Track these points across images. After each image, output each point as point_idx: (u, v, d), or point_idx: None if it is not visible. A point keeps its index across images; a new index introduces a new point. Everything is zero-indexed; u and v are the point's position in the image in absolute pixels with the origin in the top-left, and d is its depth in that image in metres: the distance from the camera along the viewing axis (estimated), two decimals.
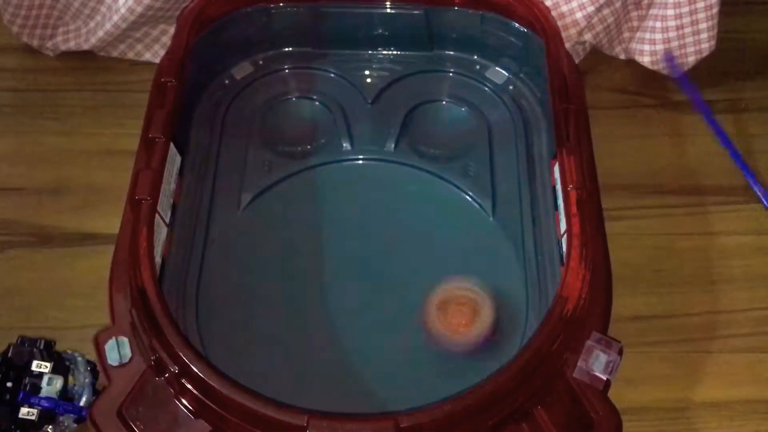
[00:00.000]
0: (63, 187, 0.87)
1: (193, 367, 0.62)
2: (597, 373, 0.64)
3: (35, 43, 0.96)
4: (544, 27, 0.83)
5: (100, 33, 0.93)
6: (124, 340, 0.65)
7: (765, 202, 0.87)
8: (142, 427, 0.62)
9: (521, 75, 0.91)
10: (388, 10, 0.89)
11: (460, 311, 0.74)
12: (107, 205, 0.83)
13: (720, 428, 0.73)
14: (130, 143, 0.79)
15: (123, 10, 0.90)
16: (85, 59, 0.97)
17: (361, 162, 0.85)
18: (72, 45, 0.96)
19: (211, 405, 0.62)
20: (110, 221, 0.75)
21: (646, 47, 0.93)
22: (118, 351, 0.65)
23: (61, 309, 0.79)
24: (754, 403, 0.74)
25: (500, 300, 0.76)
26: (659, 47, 0.92)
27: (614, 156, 0.89)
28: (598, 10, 0.88)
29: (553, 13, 0.87)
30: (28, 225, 0.85)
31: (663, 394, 0.75)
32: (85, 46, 0.96)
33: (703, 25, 0.89)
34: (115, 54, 0.97)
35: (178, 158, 0.79)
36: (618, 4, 0.89)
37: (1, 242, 0.83)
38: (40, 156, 0.90)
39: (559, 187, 0.76)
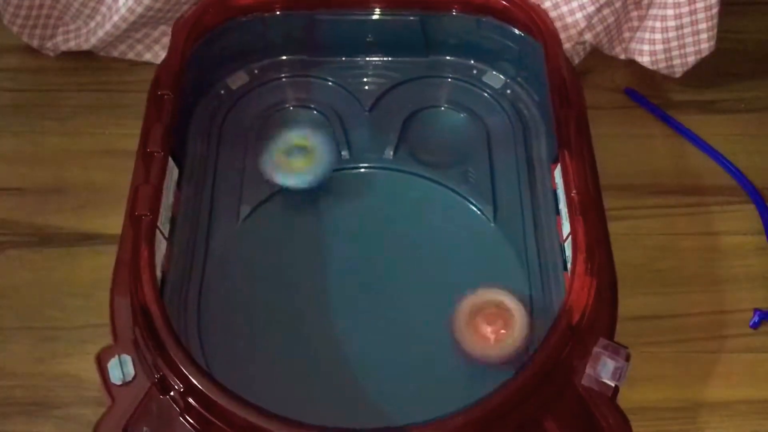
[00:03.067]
0: (63, 187, 0.87)
1: (198, 384, 0.61)
2: (605, 380, 0.64)
3: (35, 43, 0.96)
4: (542, 31, 0.83)
5: (101, 33, 0.93)
6: (127, 358, 0.64)
7: (750, 194, 0.87)
8: None
9: (518, 79, 0.91)
10: (384, 17, 0.89)
11: (492, 322, 0.72)
12: (107, 205, 0.83)
13: (720, 428, 0.73)
14: (130, 143, 0.79)
15: (123, 11, 0.89)
16: (85, 59, 0.97)
17: (360, 170, 0.85)
18: (72, 45, 0.96)
19: (218, 423, 0.61)
20: (110, 221, 0.75)
21: (646, 47, 0.92)
22: (121, 369, 0.64)
23: (61, 309, 0.78)
24: (754, 403, 0.74)
25: None
26: (659, 47, 0.91)
27: (614, 156, 0.89)
28: (599, 10, 0.88)
29: (554, 14, 0.87)
30: (28, 225, 0.84)
31: (663, 394, 0.74)
32: (86, 47, 0.95)
33: (702, 25, 0.89)
34: (115, 54, 0.97)
35: (176, 171, 0.79)
36: (618, 4, 0.89)
37: (1, 242, 0.83)
38: (40, 156, 0.90)
39: (560, 191, 0.76)
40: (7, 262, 0.82)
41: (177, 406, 0.63)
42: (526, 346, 0.71)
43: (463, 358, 0.72)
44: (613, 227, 0.75)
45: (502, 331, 0.72)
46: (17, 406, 0.73)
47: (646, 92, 0.96)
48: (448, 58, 0.92)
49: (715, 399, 0.74)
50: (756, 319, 0.79)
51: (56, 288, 0.80)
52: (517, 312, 0.72)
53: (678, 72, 0.94)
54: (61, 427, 0.72)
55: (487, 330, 0.72)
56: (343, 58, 0.92)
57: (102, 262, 0.73)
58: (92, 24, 0.94)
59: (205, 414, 0.62)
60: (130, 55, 0.96)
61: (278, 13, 0.89)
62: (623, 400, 0.64)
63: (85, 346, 0.74)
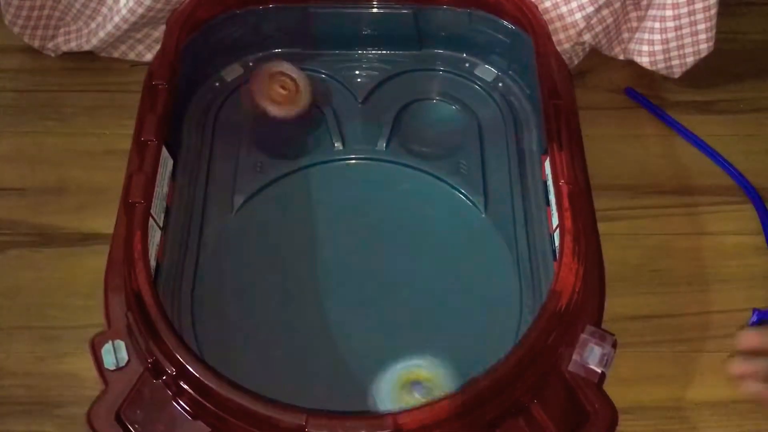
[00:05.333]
0: (64, 187, 0.87)
1: (190, 368, 0.62)
2: (592, 366, 0.65)
3: (36, 43, 0.97)
4: (532, 24, 0.84)
5: (102, 34, 0.93)
6: (121, 343, 0.66)
7: (749, 194, 0.87)
8: (140, 429, 0.63)
9: (510, 72, 0.91)
10: (377, 10, 0.90)
11: (285, 86, 0.85)
12: (107, 205, 0.82)
13: (718, 428, 0.73)
14: (130, 143, 0.79)
15: (124, 11, 0.90)
16: (86, 60, 0.97)
17: (353, 161, 0.85)
18: (73, 46, 0.96)
19: (209, 406, 0.62)
20: (111, 221, 0.75)
21: (645, 48, 0.92)
22: (114, 354, 0.65)
23: (61, 309, 0.79)
24: (752, 402, 0.73)
25: (493, 295, 0.76)
26: (658, 48, 0.91)
27: (613, 156, 0.89)
28: (598, 10, 0.88)
29: (553, 14, 0.88)
30: (29, 225, 0.84)
31: (661, 394, 0.74)
32: (86, 47, 0.96)
33: (701, 26, 0.88)
34: (116, 55, 0.97)
35: (170, 161, 0.79)
36: (617, 5, 0.89)
37: (2, 242, 0.83)
38: (41, 156, 0.90)
39: (550, 182, 0.76)
40: (8, 261, 0.82)
41: (169, 390, 0.64)
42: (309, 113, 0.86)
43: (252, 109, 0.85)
44: (611, 227, 0.75)
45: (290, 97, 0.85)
46: (18, 406, 0.73)
47: (645, 93, 0.96)
48: (440, 51, 0.93)
49: (713, 398, 0.74)
50: (755, 318, 0.78)
51: (57, 288, 0.80)
52: (306, 84, 0.86)
53: (677, 72, 0.94)
54: (61, 426, 0.72)
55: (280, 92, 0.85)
56: (337, 51, 0.93)
57: (103, 262, 0.73)
58: (93, 25, 0.94)
59: (198, 398, 0.62)
60: (131, 56, 0.97)
61: (272, 5, 0.89)
62: (621, 400, 0.64)
63: (85, 346, 0.73)
